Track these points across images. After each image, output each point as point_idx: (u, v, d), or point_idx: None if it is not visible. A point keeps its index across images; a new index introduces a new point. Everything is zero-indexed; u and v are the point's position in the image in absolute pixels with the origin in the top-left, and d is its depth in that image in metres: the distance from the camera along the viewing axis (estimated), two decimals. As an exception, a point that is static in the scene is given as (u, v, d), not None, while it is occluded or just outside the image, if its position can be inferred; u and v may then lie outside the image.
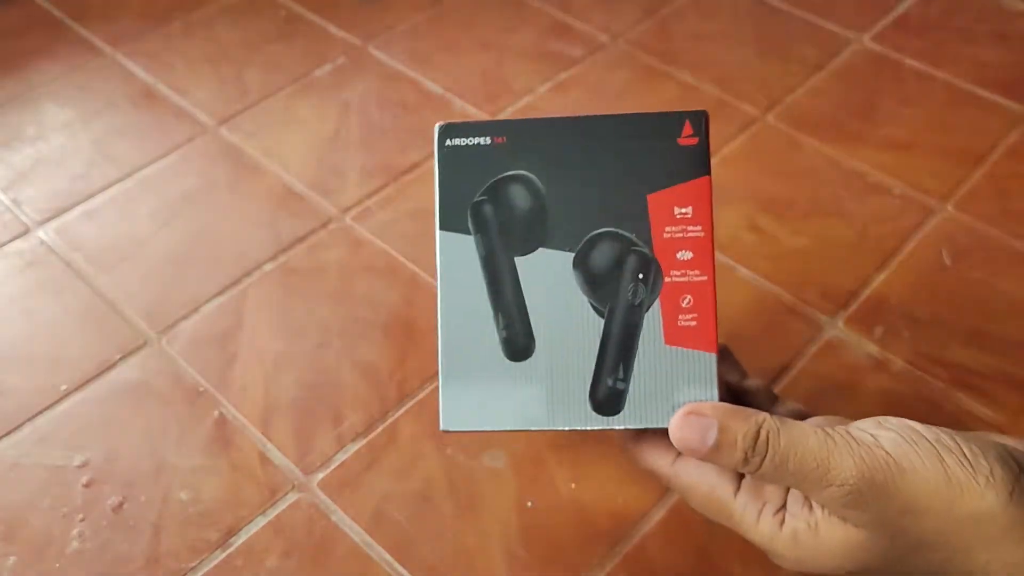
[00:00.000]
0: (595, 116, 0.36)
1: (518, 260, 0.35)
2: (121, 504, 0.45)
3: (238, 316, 0.52)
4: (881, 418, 0.33)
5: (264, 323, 0.52)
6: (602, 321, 0.35)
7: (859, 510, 0.31)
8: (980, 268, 0.53)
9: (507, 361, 0.35)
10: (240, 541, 0.43)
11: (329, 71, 0.69)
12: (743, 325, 0.51)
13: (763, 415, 0.32)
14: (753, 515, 0.34)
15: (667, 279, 0.34)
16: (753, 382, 0.40)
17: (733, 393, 0.39)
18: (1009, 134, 0.61)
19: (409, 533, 0.43)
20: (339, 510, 0.44)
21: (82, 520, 0.44)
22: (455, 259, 0.35)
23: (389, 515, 0.44)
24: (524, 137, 0.36)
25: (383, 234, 0.57)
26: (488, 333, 0.35)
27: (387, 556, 0.42)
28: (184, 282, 0.54)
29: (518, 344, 0.35)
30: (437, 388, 0.34)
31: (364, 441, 0.47)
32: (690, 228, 0.35)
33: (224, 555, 0.43)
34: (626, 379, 0.34)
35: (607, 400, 0.34)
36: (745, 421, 0.32)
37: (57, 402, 0.49)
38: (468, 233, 0.35)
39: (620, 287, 0.35)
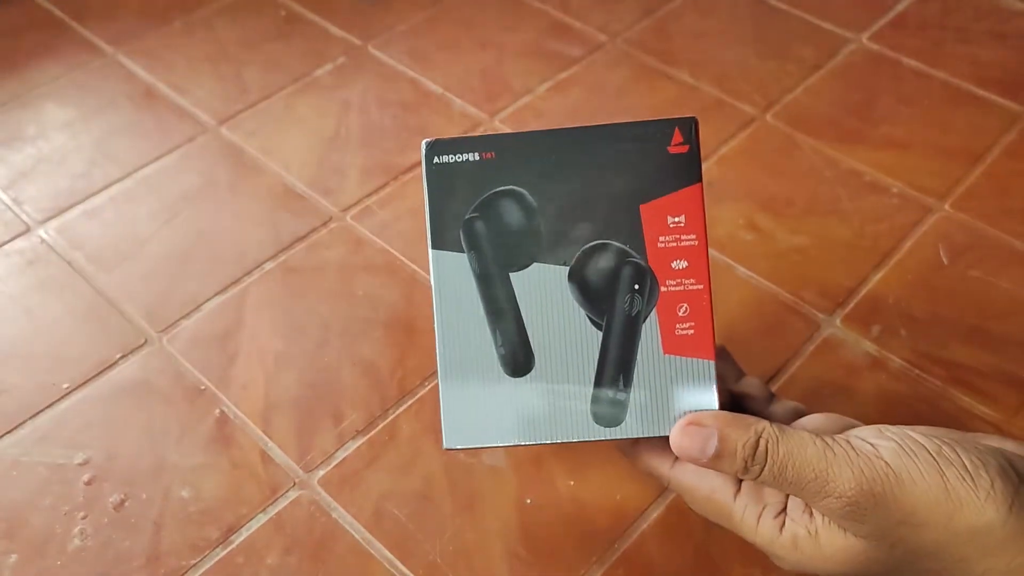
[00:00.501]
0: (583, 127, 0.35)
1: (513, 276, 0.35)
2: (122, 502, 0.45)
3: (239, 315, 0.53)
4: (882, 426, 0.33)
5: (265, 322, 0.52)
6: (600, 333, 0.35)
7: (858, 521, 0.31)
8: (978, 267, 0.53)
9: (507, 377, 0.35)
10: (241, 539, 0.43)
11: (329, 71, 0.69)
12: (741, 324, 0.51)
13: (763, 423, 0.32)
14: (753, 518, 0.34)
15: (663, 289, 0.34)
16: (750, 382, 0.40)
17: (730, 393, 0.40)
18: (1007, 133, 0.61)
19: (409, 530, 0.43)
20: (339, 508, 0.44)
21: (83, 518, 0.44)
22: (449, 277, 0.35)
23: (389, 512, 0.44)
24: (513, 151, 0.35)
25: (383, 233, 0.57)
26: (487, 350, 0.35)
27: (387, 553, 0.42)
28: (185, 281, 0.54)
29: (517, 360, 0.35)
30: (437, 386, 0.34)
31: (364, 439, 0.47)
32: (684, 237, 0.35)
33: (225, 552, 0.43)
34: (626, 390, 0.34)
35: (608, 411, 0.34)
36: (745, 430, 0.32)
37: (58, 400, 0.49)
38: (461, 251, 0.35)
39: (616, 299, 0.35)
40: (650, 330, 0.34)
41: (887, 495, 0.30)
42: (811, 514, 0.33)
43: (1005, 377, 0.48)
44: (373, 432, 0.47)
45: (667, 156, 0.35)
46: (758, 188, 0.58)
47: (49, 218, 0.59)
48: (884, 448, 0.31)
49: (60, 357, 0.51)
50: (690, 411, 0.34)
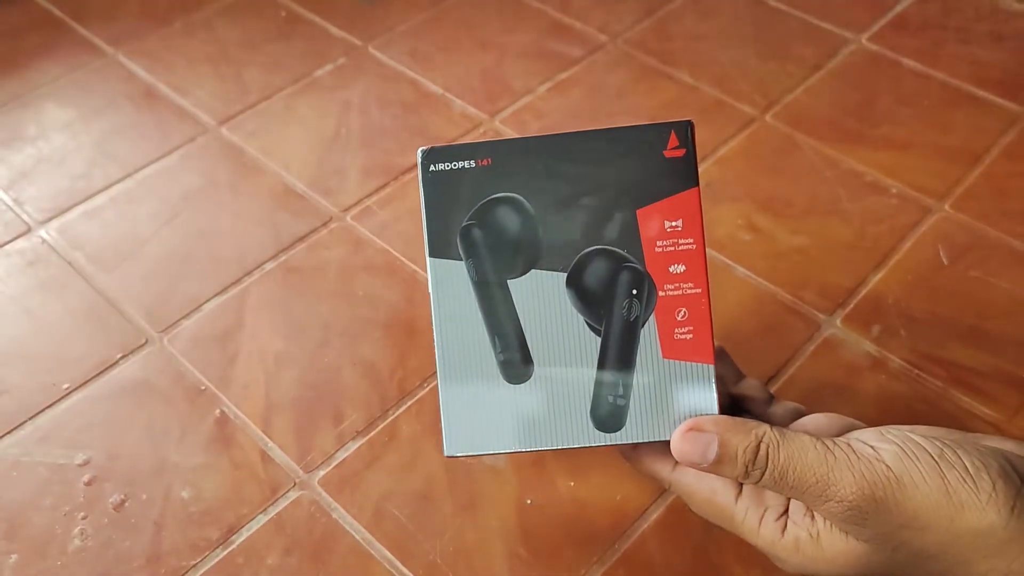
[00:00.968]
0: (579, 132, 0.35)
1: (511, 282, 0.35)
2: (123, 502, 0.45)
3: (239, 315, 0.53)
4: (883, 428, 0.33)
5: (265, 322, 0.52)
6: (598, 339, 0.35)
7: (859, 525, 0.31)
8: (977, 267, 0.53)
9: (507, 384, 0.35)
10: (241, 539, 0.43)
11: (329, 71, 0.69)
12: (741, 324, 0.51)
13: (763, 428, 0.32)
14: (755, 520, 0.34)
15: (661, 293, 0.34)
16: (750, 383, 0.40)
17: (730, 396, 0.40)
18: (1006, 133, 0.61)
19: (409, 531, 0.43)
20: (340, 508, 0.44)
21: (84, 518, 0.44)
22: (447, 285, 0.35)
23: (390, 513, 0.44)
24: (509, 158, 0.35)
25: (383, 233, 0.57)
26: (486, 357, 0.35)
27: (387, 554, 0.43)
28: (185, 281, 0.55)
29: (516, 367, 0.35)
30: (437, 386, 0.34)
31: (365, 439, 0.47)
32: (681, 241, 0.35)
33: (225, 553, 0.43)
34: (626, 395, 0.34)
35: (608, 417, 0.34)
36: (746, 435, 0.32)
37: (59, 401, 0.49)
38: (459, 259, 0.35)
39: (615, 304, 0.34)
40: (649, 335, 0.34)
41: (888, 499, 0.30)
42: (812, 517, 0.33)
43: (1005, 377, 0.48)
44: (373, 432, 0.47)
45: (663, 160, 0.35)
46: (758, 188, 0.58)
47: (49, 218, 0.59)
48: (885, 451, 0.31)
49: (60, 357, 0.51)
50: (690, 415, 0.34)
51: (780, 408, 0.39)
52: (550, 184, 0.35)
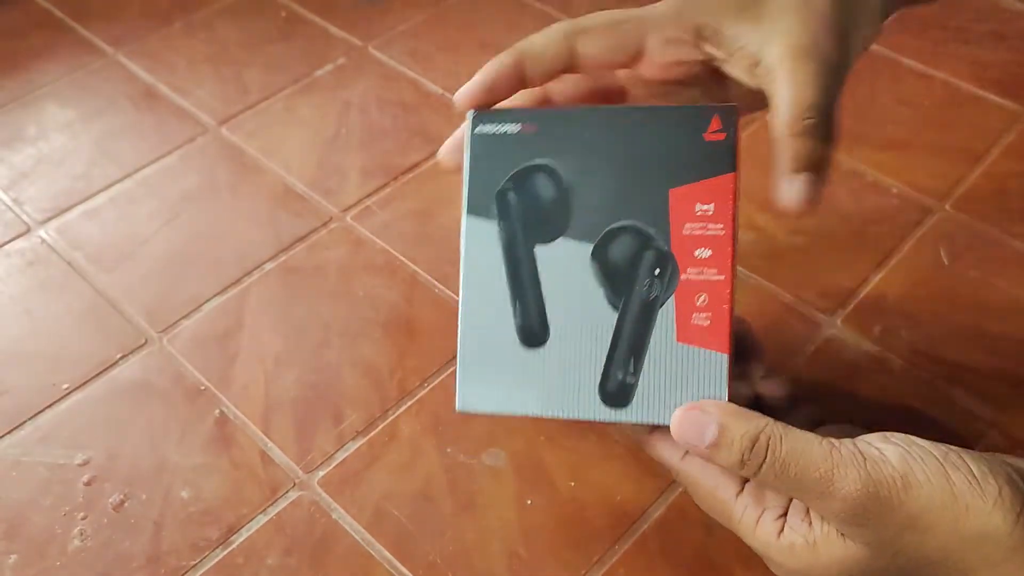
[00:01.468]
0: (624, 107, 0.36)
1: (539, 248, 0.35)
2: (122, 502, 0.45)
3: (239, 315, 0.53)
4: (888, 433, 0.32)
5: (265, 322, 0.52)
6: (616, 314, 0.34)
7: (860, 526, 0.30)
8: (978, 267, 0.53)
9: (522, 347, 0.35)
10: (241, 539, 0.43)
11: (329, 71, 0.69)
12: (742, 324, 0.51)
13: (767, 420, 0.32)
14: (752, 519, 0.34)
15: (683, 276, 0.34)
16: (771, 383, 0.39)
17: (754, 396, 0.39)
18: (1007, 133, 0.61)
19: (409, 531, 0.43)
20: (339, 508, 0.44)
21: (83, 518, 0.44)
22: (479, 244, 0.35)
23: (389, 513, 0.44)
24: (554, 126, 0.35)
25: (383, 234, 0.57)
26: (505, 318, 0.35)
27: (387, 554, 0.42)
28: (185, 281, 0.55)
29: (532, 331, 0.35)
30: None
31: (364, 439, 0.47)
32: (711, 226, 0.34)
33: (225, 553, 0.43)
34: (636, 373, 0.34)
35: (616, 393, 0.34)
36: (747, 423, 0.32)
37: (58, 401, 0.49)
38: (493, 219, 0.36)
39: (635, 282, 0.34)
40: (666, 316, 0.34)
41: (892, 499, 0.30)
42: (810, 523, 0.33)
43: (1005, 377, 0.48)
44: (373, 432, 0.47)
45: (703, 143, 0.35)
46: (758, 188, 0.58)
47: (49, 218, 0.59)
48: (890, 452, 0.31)
49: (60, 357, 0.51)
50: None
51: (798, 415, 0.38)
52: (589, 155, 0.35)
